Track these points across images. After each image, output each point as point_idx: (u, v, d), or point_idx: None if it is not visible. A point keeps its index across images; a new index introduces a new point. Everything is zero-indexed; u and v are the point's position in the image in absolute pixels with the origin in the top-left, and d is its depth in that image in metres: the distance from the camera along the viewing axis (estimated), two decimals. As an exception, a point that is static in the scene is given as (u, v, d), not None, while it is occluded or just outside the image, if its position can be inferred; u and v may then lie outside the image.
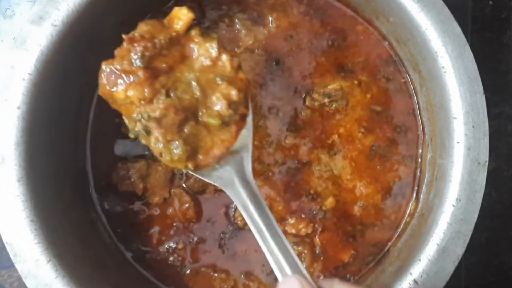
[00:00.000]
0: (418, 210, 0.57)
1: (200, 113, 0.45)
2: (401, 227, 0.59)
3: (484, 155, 0.49)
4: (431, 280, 0.49)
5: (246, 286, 0.58)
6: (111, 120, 0.58)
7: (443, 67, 0.50)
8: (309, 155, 0.58)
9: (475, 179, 0.49)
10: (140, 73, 0.43)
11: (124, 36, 0.44)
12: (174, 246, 0.58)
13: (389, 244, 0.59)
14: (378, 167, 0.59)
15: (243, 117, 0.47)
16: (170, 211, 0.58)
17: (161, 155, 0.45)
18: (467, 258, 0.64)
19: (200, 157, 0.46)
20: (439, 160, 0.54)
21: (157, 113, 0.43)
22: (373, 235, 0.59)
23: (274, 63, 0.59)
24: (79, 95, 0.56)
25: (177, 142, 0.44)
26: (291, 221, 0.58)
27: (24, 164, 0.48)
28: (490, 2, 0.67)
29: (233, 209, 0.58)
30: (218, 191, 0.58)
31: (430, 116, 0.57)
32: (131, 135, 0.46)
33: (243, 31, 0.58)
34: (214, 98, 0.45)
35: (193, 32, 0.46)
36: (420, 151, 0.59)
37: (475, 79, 0.50)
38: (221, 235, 0.58)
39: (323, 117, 0.59)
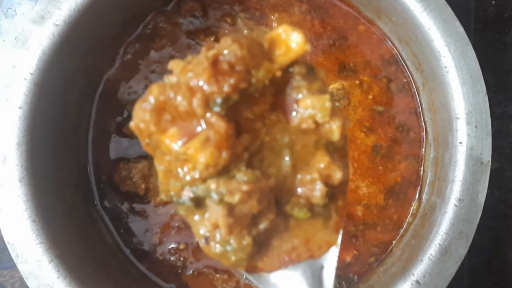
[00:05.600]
0: (420, 210, 0.57)
1: (284, 201, 0.30)
2: (404, 227, 0.58)
3: (487, 155, 0.49)
4: (433, 280, 0.48)
5: (248, 287, 0.58)
6: (112, 120, 0.58)
7: (446, 66, 0.50)
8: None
9: (478, 179, 0.49)
10: (221, 126, 0.27)
11: (205, 53, 0.28)
12: (176, 246, 0.58)
13: (392, 244, 0.58)
14: (380, 167, 0.59)
15: (341, 211, 0.33)
16: (172, 211, 0.58)
17: (206, 241, 0.29)
18: (470, 259, 0.64)
19: (265, 260, 0.31)
20: (441, 160, 0.54)
21: (236, 198, 0.27)
22: (376, 235, 0.59)
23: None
24: (80, 94, 0.56)
25: (244, 241, 0.29)
26: (293, 221, 0.57)
27: (25, 164, 0.48)
28: (493, 2, 0.66)
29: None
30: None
31: (433, 116, 0.57)
32: (163, 197, 0.30)
33: (245, 30, 0.58)
34: (308, 177, 0.30)
35: (296, 70, 0.29)
36: (423, 151, 0.59)
37: (477, 79, 0.50)
38: (223, 235, 0.58)
39: (325, 117, 0.58)
